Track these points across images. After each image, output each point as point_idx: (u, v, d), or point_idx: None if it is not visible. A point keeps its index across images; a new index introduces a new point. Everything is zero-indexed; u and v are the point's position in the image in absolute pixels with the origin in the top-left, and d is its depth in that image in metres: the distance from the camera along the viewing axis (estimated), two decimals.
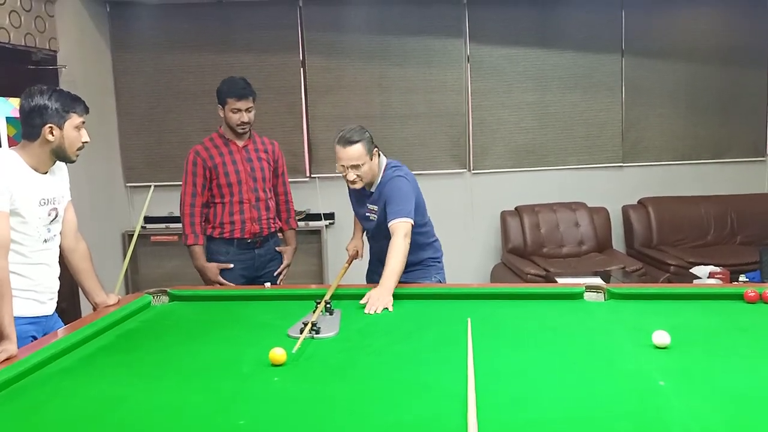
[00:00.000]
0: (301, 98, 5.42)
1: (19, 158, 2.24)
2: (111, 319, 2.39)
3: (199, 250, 3.33)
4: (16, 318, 2.13)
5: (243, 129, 3.30)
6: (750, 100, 5.59)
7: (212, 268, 3.32)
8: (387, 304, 2.48)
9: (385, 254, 2.70)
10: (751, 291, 2.47)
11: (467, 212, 5.60)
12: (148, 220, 5.18)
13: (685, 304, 2.49)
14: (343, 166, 2.80)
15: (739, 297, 2.50)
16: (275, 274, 3.48)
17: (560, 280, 4.01)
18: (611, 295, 2.58)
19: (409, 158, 5.40)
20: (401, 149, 5.43)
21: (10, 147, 2.66)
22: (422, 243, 3.02)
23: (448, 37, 5.37)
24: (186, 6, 5.26)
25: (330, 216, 5.41)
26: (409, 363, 1.97)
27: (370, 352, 2.08)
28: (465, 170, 5.55)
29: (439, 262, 3.14)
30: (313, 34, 5.34)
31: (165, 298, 2.75)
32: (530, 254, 5.20)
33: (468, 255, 5.53)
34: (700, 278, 4.50)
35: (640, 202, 5.60)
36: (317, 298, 2.47)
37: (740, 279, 4.44)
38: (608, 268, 4.67)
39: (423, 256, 3.05)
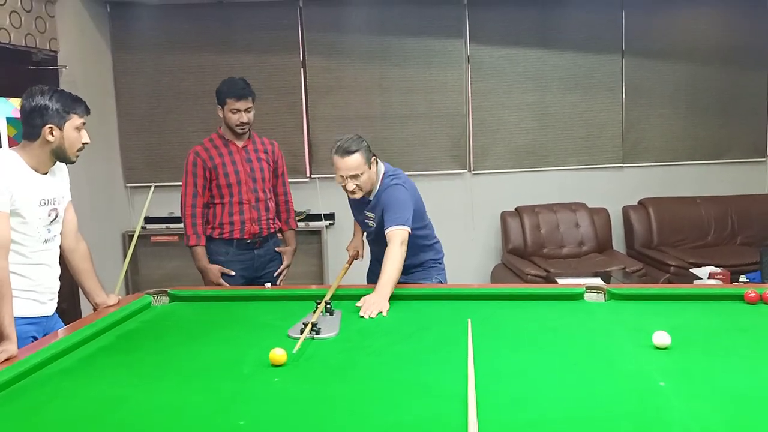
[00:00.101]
0: (301, 99, 5.42)
1: (20, 158, 2.24)
2: (111, 320, 2.39)
3: (201, 251, 3.33)
4: (17, 318, 2.13)
5: (242, 129, 3.30)
6: (750, 101, 5.59)
7: (214, 270, 3.32)
8: (382, 309, 2.46)
9: None
10: (751, 292, 2.47)
11: (467, 213, 5.60)
12: (148, 220, 5.18)
13: (686, 305, 2.49)
14: (342, 176, 2.78)
15: (740, 298, 2.50)
16: (275, 275, 3.48)
17: (560, 281, 4.00)
18: (611, 296, 2.58)
19: (409, 159, 5.44)
20: (401, 150, 5.44)
21: (10, 147, 2.66)
22: (423, 246, 3.03)
23: (448, 37, 5.38)
24: (186, 6, 5.26)
25: (330, 216, 5.41)
26: (410, 363, 1.97)
27: (370, 353, 2.08)
28: (465, 171, 5.55)
29: (440, 263, 3.14)
30: (313, 35, 5.34)
31: (165, 299, 2.75)
32: (530, 255, 5.20)
33: (468, 255, 5.53)
34: (701, 278, 4.49)
35: (640, 202, 5.60)
36: (317, 298, 2.47)
37: (740, 280, 4.43)
38: (608, 269, 4.66)
39: (424, 258, 3.06)
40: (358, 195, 2.84)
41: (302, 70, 5.39)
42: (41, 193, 2.27)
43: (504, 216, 5.42)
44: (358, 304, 2.50)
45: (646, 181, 5.64)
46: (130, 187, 5.48)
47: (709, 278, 4.47)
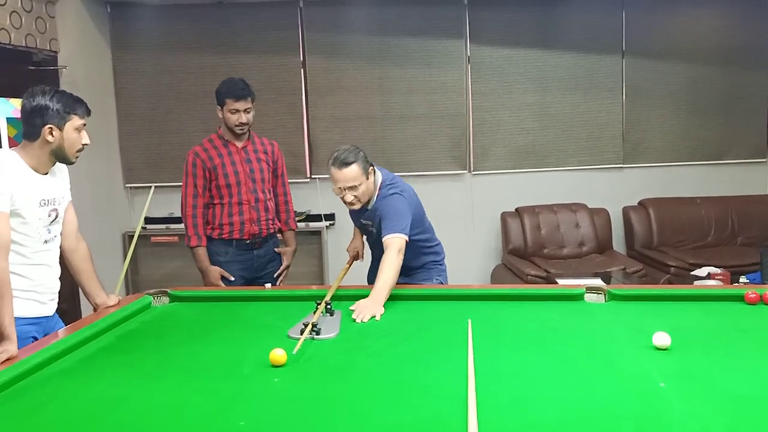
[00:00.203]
0: (301, 99, 5.42)
1: (20, 159, 2.24)
2: (111, 320, 2.39)
3: (202, 252, 3.33)
4: (17, 318, 2.13)
5: (241, 130, 3.30)
6: (751, 101, 5.59)
7: (214, 273, 3.32)
8: (375, 313, 2.43)
9: None
10: (751, 292, 2.47)
11: (467, 213, 5.60)
12: (148, 220, 5.18)
13: (686, 306, 2.49)
14: (340, 188, 2.76)
15: (740, 298, 2.49)
16: (275, 275, 3.48)
17: (561, 282, 4.00)
18: (612, 297, 2.57)
19: (409, 159, 5.45)
20: (401, 150, 5.45)
21: (10, 147, 2.66)
22: (423, 249, 3.03)
23: (448, 38, 5.38)
24: (187, 7, 5.26)
25: (330, 217, 5.41)
26: (410, 364, 1.97)
27: (370, 353, 2.08)
28: (465, 171, 5.55)
29: (440, 264, 3.14)
30: (313, 35, 5.34)
31: (165, 299, 2.75)
32: (531, 255, 5.20)
33: (468, 256, 5.52)
34: (702, 277, 4.49)
35: (640, 203, 5.60)
36: (317, 299, 2.47)
37: (741, 280, 4.43)
38: (609, 270, 4.66)
39: (425, 260, 3.07)
40: (357, 206, 2.83)
41: (302, 70, 5.39)
42: (41, 194, 2.27)
43: (504, 216, 5.42)
44: (352, 308, 2.47)
45: (646, 182, 5.64)
46: (130, 187, 5.48)
47: (706, 277, 4.48)
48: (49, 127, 2.21)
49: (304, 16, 5.32)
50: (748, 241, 5.40)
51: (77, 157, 2.34)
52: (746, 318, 2.34)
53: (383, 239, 2.72)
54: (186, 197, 3.33)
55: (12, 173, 2.18)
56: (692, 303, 2.52)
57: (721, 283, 4.23)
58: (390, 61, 5.38)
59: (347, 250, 3.36)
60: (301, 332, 2.14)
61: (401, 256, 2.67)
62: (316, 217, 5.37)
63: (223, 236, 3.35)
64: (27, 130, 2.24)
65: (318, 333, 2.19)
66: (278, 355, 1.93)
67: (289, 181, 3.63)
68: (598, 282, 3.41)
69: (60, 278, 2.45)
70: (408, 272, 2.97)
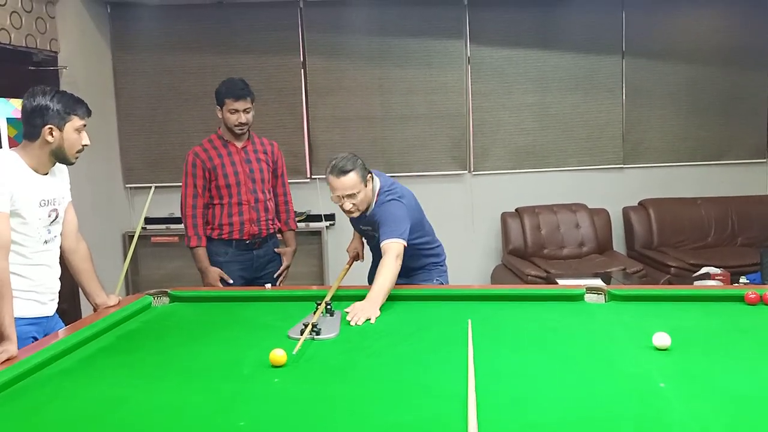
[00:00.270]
0: (301, 99, 5.42)
1: (20, 159, 2.24)
2: (111, 320, 2.39)
3: (202, 253, 3.33)
4: (17, 319, 2.13)
5: (241, 130, 3.29)
6: (751, 102, 5.59)
7: (213, 274, 3.32)
8: (370, 316, 2.41)
9: None
10: (751, 293, 2.47)
11: (467, 214, 5.60)
12: (148, 221, 5.18)
13: (686, 306, 2.49)
14: (338, 196, 2.75)
15: (740, 299, 2.49)
16: (275, 276, 3.48)
17: (561, 282, 4.00)
18: (612, 297, 2.57)
19: (409, 159, 5.45)
20: (402, 150, 5.45)
21: (10, 148, 2.66)
22: (423, 252, 3.03)
23: (448, 38, 5.38)
24: (187, 7, 5.26)
25: (330, 217, 5.41)
26: (410, 364, 1.97)
27: (370, 354, 2.08)
28: (465, 171, 5.55)
29: (441, 265, 3.14)
30: (313, 36, 5.34)
31: (165, 299, 2.75)
32: (531, 256, 5.20)
33: (468, 256, 5.52)
34: (701, 279, 4.49)
35: (640, 203, 5.60)
36: (318, 299, 2.47)
37: (741, 281, 4.43)
38: (609, 270, 4.66)
39: (426, 262, 3.07)
40: (356, 214, 2.82)
41: (302, 70, 5.39)
42: (41, 194, 2.27)
43: (504, 217, 5.42)
44: (347, 309, 2.45)
45: (646, 182, 5.64)
46: (130, 187, 5.48)
47: (708, 279, 4.47)
48: (49, 128, 2.21)
49: (304, 16, 5.32)
50: (748, 241, 5.40)
51: (77, 158, 2.34)
52: (746, 318, 2.34)
53: (381, 245, 2.71)
54: (186, 197, 3.33)
55: (12, 173, 2.18)
56: (692, 303, 2.52)
57: (721, 284, 4.23)
58: (390, 61, 5.38)
59: (347, 251, 3.36)
60: (301, 332, 2.14)
61: (399, 262, 2.65)
62: (316, 218, 5.37)
63: (223, 236, 3.35)
64: (27, 130, 2.24)
65: (318, 333, 2.19)
66: (278, 355, 1.93)
67: (289, 181, 3.63)
68: (598, 282, 3.41)
69: (60, 278, 2.45)
70: (408, 273, 2.97)
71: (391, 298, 2.58)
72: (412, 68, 5.39)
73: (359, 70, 5.38)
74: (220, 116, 3.31)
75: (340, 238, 5.15)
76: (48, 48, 4.42)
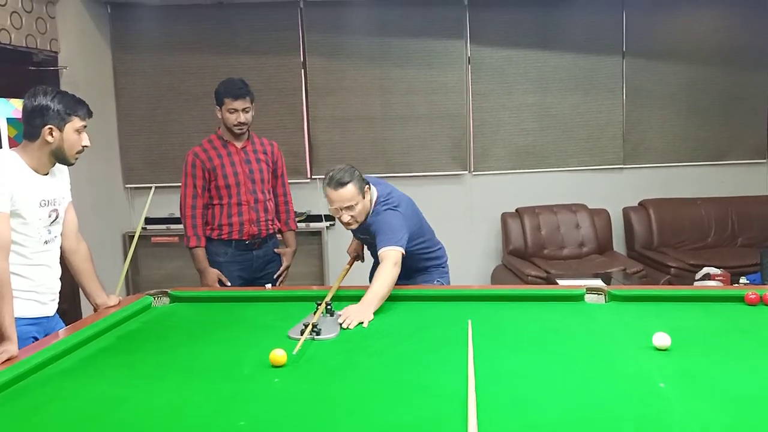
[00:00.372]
0: (302, 100, 5.42)
1: (20, 159, 2.24)
2: (112, 320, 2.39)
3: (201, 253, 3.32)
4: (17, 319, 2.13)
5: (240, 129, 3.29)
6: (751, 102, 5.59)
7: (212, 275, 3.32)
8: (363, 319, 2.38)
9: None
10: (751, 293, 2.47)
11: (468, 214, 5.60)
12: (148, 221, 5.17)
13: (686, 306, 2.49)
14: (336, 208, 2.74)
15: (740, 299, 2.49)
16: (275, 276, 3.47)
17: (561, 282, 4.00)
18: (612, 297, 2.57)
19: (409, 160, 5.45)
20: (402, 151, 5.45)
21: (11, 148, 2.66)
22: (423, 256, 3.03)
23: (448, 38, 5.38)
24: (187, 7, 5.26)
25: (331, 217, 5.40)
26: (410, 364, 1.97)
27: (370, 354, 2.08)
28: (465, 172, 5.55)
29: (442, 267, 3.14)
30: (313, 36, 5.35)
31: (166, 300, 2.75)
32: (531, 256, 5.20)
33: (468, 257, 5.52)
34: (704, 275, 4.48)
35: (640, 203, 5.60)
36: (318, 299, 2.47)
37: (741, 281, 4.43)
38: (609, 270, 4.66)
39: (426, 264, 3.07)
40: (354, 226, 2.81)
41: (303, 71, 5.39)
42: (41, 194, 2.27)
43: (504, 217, 5.42)
44: (340, 312, 2.42)
45: (646, 182, 5.64)
46: (130, 187, 5.48)
47: (704, 277, 4.47)
48: (49, 128, 2.21)
49: (304, 16, 5.32)
50: (749, 241, 5.40)
51: (77, 159, 2.34)
52: (746, 319, 2.34)
53: (379, 252, 2.70)
54: (185, 198, 3.33)
55: (12, 173, 2.18)
56: (692, 304, 2.52)
57: (721, 284, 4.23)
58: (390, 61, 5.38)
59: (348, 252, 3.36)
60: (302, 333, 2.14)
61: (397, 269, 2.64)
62: (317, 218, 5.37)
63: (223, 237, 3.35)
64: (27, 130, 2.24)
65: (318, 333, 2.19)
66: (278, 355, 1.93)
67: (289, 181, 3.63)
68: (598, 283, 3.41)
69: (60, 278, 2.45)
70: (409, 274, 2.96)
71: (391, 298, 2.58)
72: (413, 68, 5.39)
73: (359, 70, 5.38)
74: (219, 116, 3.31)
75: (341, 238, 5.14)
76: (48, 48, 4.42)
